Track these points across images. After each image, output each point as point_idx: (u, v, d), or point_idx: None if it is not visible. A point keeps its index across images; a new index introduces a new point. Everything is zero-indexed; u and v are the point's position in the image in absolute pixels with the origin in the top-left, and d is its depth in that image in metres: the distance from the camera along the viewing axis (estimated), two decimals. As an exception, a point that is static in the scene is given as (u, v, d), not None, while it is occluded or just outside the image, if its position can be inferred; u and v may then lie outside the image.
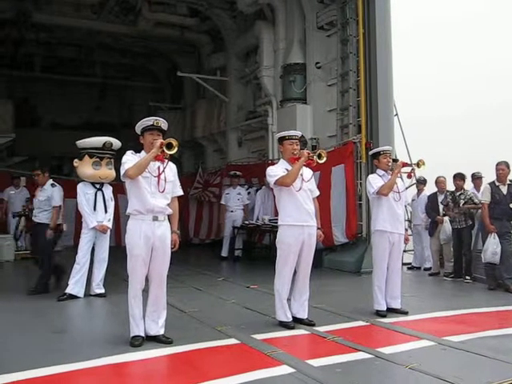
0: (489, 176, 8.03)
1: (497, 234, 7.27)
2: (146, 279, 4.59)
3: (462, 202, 8.14)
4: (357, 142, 9.37)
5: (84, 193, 6.82)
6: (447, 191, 8.69)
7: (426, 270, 9.37)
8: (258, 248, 11.63)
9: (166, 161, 4.58)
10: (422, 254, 9.57)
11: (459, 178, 8.36)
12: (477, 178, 8.94)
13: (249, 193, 11.67)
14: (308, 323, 5.18)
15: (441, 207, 8.70)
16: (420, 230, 9.58)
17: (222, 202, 11.46)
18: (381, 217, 5.82)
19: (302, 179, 5.23)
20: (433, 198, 9.03)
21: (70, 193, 7.49)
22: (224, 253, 11.25)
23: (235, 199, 11.17)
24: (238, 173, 11.58)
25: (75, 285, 6.65)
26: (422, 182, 9.71)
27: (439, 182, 9.04)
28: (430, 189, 9.44)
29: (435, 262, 9.04)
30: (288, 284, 5.21)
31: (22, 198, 11.87)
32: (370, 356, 4.17)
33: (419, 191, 9.72)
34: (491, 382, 3.57)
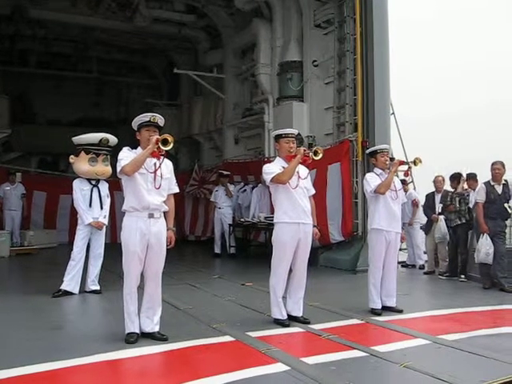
0: (483, 175, 8.05)
1: (491, 233, 7.29)
2: (142, 276, 4.59)
3: (457, 200, 8.17)
4: (353, 141, 9.37)
5: (80, 189, 6.81)
6: (445, 191, 8.71)
7: (420, 268, 9.41)
8: (253, 246, 11.65)
9: (162, 157, 4.57)
10: (414, 252, 9.62)
11: (456, 178, 8.38)
12: (470, 178, 8.95)
13: (244, 190, 11.70)
14: (303, 321, 5.18)
15: (438, 207, 8.71)
16: (408, 228, 9.59)
17: (212, 199, 11.50)
18: (377, 215, 5.83)
19: (299, 177, 5.23)
20: (430, 197, 9.05)
21: (66, 189, 7.45)
22: (217, 249, 11.30)
23: (223, 196, 11.23)
24: (224, 172, 11.59)
25: (70, 281, 6.64)
26: (404, 183, 9.71)
27: (437, 182, 9.05)
28: (428, 188, 9.48)
29: (430, 261, 9.07)
30: (283, 282, 5.21)
31: (18, 194, 11.86)
32: (364, 354, 4.18)
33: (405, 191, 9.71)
34: (485, 381, 3.58)
